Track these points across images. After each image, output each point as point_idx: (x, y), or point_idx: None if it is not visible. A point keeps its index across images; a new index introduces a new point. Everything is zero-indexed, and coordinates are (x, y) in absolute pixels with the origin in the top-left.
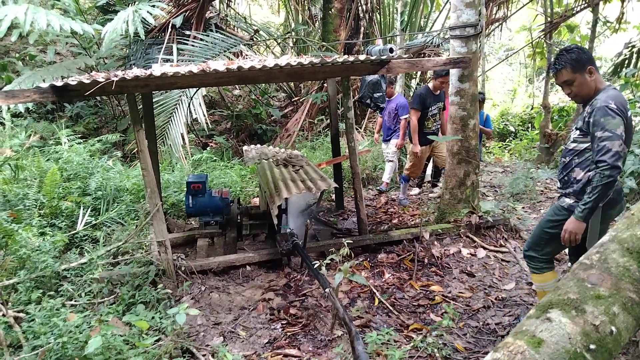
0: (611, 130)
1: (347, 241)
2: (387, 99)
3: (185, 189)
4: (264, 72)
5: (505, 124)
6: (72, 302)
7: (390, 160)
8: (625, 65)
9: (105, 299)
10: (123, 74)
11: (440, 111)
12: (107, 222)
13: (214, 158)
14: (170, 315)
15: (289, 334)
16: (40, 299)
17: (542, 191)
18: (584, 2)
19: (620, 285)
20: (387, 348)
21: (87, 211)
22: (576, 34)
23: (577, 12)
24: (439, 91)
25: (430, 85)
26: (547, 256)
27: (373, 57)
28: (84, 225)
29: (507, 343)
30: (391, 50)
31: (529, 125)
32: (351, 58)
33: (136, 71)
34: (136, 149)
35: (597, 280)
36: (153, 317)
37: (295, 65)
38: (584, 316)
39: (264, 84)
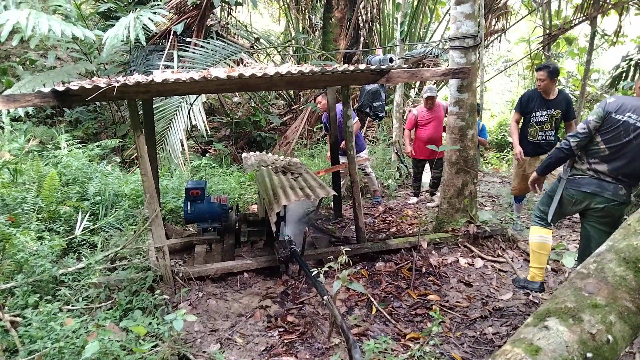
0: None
1: (345, 249)
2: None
3: (184, 195)
4: (264, 79)
5: (503, 135)
6: (69, 307)
7: (367, 174)
8: (623, 77)
9: (103, 304)
10: (125, 80)
11: (554, 120)
12: (105, 227)
13: (213, 164)
14: (168, 321)
15: (286, 341)
16: (37, 303)
17: None
18: (582, 15)
19: (616, 295)
20: (385, 357)
21: (85, 216)
22: (574, 46)
23: (576, 24)
24: (553, 95)
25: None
26: (540, 213)
27: (373, 67)
28: (82, 230)
29: (505, 351)
30: (391, 60)
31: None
32: (351, 67)
33: (138, 77)
34: (135, 155)
35: (594, 289)
36: (150, 323)
37: (295, 74)
38: (581, 325)
39: (263, 92)
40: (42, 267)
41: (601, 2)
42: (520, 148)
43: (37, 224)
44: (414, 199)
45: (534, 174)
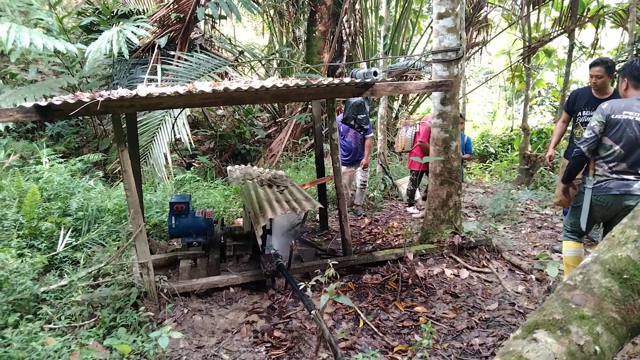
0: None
1: (332, 262)
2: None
3: (168, 209)
4: (250, 93)
5: (485, 146)
6: (51, 326)
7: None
8: None
9: (86, 322)
10: (108, 94)
11: None
12: (88, 243)
13: (197, 178)
14: (153, 338)
15: (273, 357)
16: (17, 322)
17: (522, 212)
18: (560, 28)
19: (603, 306)
20: None
21: (67, 232)
22: (553, 58)
23: (554, 37)
24: (607, 94)
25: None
26: (571, 227)
27: (358, 80)
28: (64, 247)
29: None
30: (375, 74)
31: (509, 146)
32: (336, 81)
33: (121, 91)
34: (118, 169)
35: (581, 300)
36: (135, 341)
37: (281, 87)
38: (569, 336)
39: (248, 105)
40: (22, 285)
41: (578, 16)
42: (552, 152)
43: (18, 241)
44: (414, 211)
45: (559, 183)
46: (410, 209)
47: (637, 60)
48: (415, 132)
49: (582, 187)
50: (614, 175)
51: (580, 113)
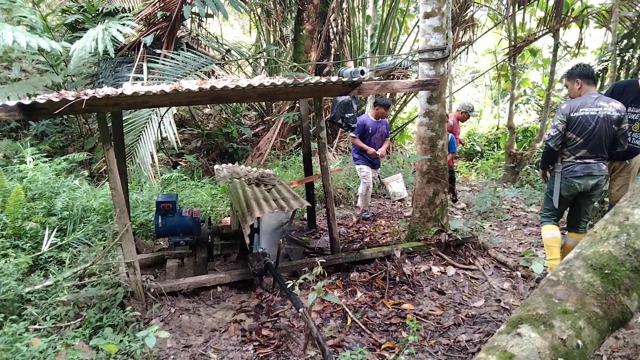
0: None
1: (320, 260)
2: (374, 120)
3: (155, 208)
4: (236, 92)
5: (472, 144)
6: (36, 327)
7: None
8: None
9: (71, 322)
10: (94, 93)
11: None
12: (73, 243)
13: (184, 177)
14: (140, 338)
15: (261, 355)
16: (1, 323)
17: (508, 210)
18: (545, 28)
19: (585, 300)
20: None
21: (52, 232)
22: (539, 57)
23: (539, 37)
24: None
25: None
26: (548, 212)
27: (345, 79)
28: (49, 247)
29: (480, 359)
30: (362, 73)
31: (495, 145)
32: (324, 79)
33: (107, 90)
34: (103, 168)
35: (564, 295)
36: (121, 341)
37: (268, 86)
38: (552, 331)
39: (235, 103)
40: (6, 285)
41: (563, 16)
42: None
43: (2, 241)
44: (460, 204)
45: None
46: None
47: (580, 64)
48: None
49: (552, 173)
50: (578, 161)
51: (629, 109)
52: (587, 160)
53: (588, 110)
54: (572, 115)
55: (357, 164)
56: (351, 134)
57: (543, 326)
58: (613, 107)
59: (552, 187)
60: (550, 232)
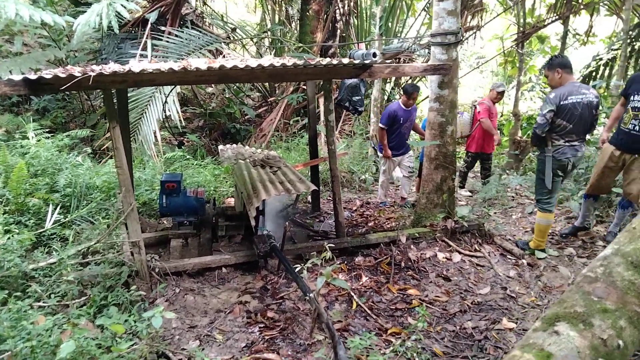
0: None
1: (329, 245)
2: (405, 108)
3: (159, 187)
4: (246, 71)
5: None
6: (41, 304)
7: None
8: (593, 77)
9: (76, 300)
10: (100, 69)
11: None
12: (76, 220)
13: (187, 156)
14: (145, 318)
15: (267, 337)
16: (5, 300)
17: (512, 197)
18: (555, 15)
19: (626, 299)
20: (369, 353)
21: (56, 209)
22: (546, 44)
23: (549, 23)
24: None
25: None
26: (545, 197)
27: (356, 61)
28: (53, 224)
29: (514, 356)
30: (374, 55)
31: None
32: (334, 61)
33: (114, 66)
34: (106, 145)
35: (603, 293)
36: (126, 320)
37: (278, 66)
38: (591, 330)
39: (238, 83)
40: (11, 262)
41: (573, 2)
42: (606, 135)
43: (5, 217)
44: (465, 192)
45: (597, 169)
46: (462, 191)
47: (557, 55)
48: (476, 112)
49: (542, 156)
50: (567, 144)
51: (632, 97)
52: (574, 143)
53: (575, 98)
54: (562, 103)
55: (380, 153)
56: (380, 125)
57: (582, 325)
58: (592, 94)
59: (544, 168)
60: (550, 220)
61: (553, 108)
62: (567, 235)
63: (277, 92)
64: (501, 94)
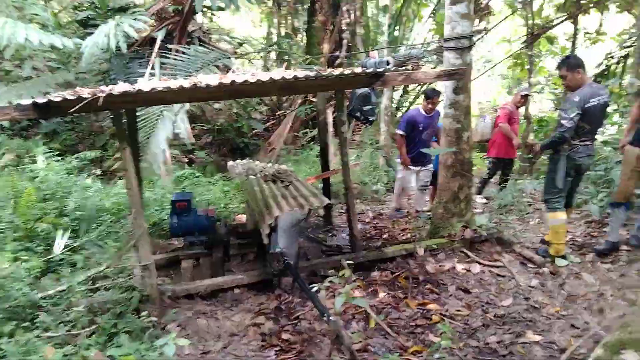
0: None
1: (347, 262)
2: (426, 114)
3: (170, 207)
4: (257, 86)
5: None
6: (50, 334)
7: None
8: (605, 75)
9: (85, 329)
10: (110, 90)
11: None
12: (86, 244)
13: (197, 174)
14: (157, 346)
15: None
16: (13, 331)
17: (529, 202)
18: (564, 14)
19: None
20: None
21: (65, 233)
22: (555, 45)
23: (558, 23)
24: None
25: None
26: (555, 196)
27: (369, 70)
28: (62, 249)
29: None
30: (388, 63)
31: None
32: (347, 71)
33: (123, 86)
34: (115, 166)
35: None
36: (137, 349)
37: (289, 79)
38: None
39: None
40: (19, 291)
41: (582, 1)
42: (626, 140)
43: (13, 244)
44: (481, 199)
45: (624, 176)
46: (477, 198)
47: (572, 55)
48: (496, 117)
49: (556, 155)
50: (582, 144)
51: None
52: (587, 142)
53: (596, 100)
54: (586, 106)
55: (399, 161)
56: (398, 131)
57: None
58: (606, 94)
59: (556, 168)
60: (562, 218)
61: (579, 111)
62: (601, 252)
63: (284, 105)
64: (525, 97)
